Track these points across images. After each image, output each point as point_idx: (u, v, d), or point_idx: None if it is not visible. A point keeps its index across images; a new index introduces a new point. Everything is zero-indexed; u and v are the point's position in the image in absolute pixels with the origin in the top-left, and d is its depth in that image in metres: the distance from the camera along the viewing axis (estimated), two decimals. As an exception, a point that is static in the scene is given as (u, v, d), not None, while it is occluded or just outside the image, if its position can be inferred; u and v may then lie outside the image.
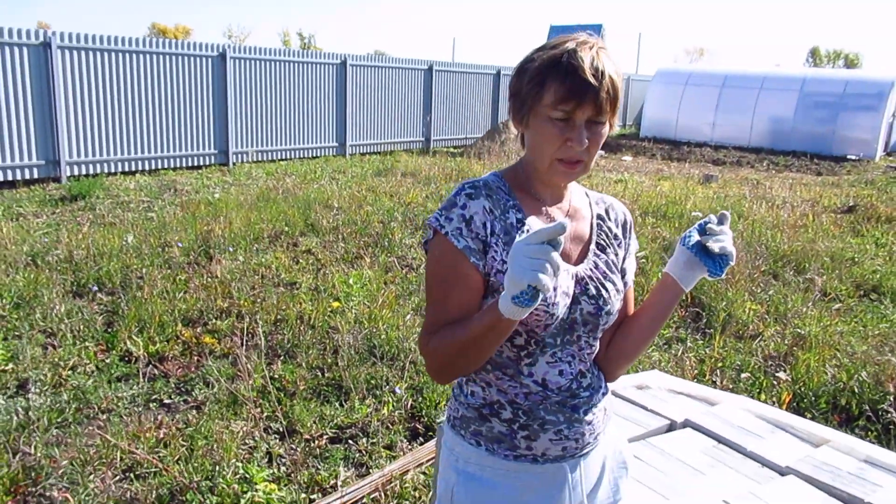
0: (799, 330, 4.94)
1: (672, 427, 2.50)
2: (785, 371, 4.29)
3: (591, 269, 1.43)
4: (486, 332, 1.25)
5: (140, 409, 3.76)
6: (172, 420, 3.63)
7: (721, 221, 1.40)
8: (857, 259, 6.92)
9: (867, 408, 3.83)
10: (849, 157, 17.93)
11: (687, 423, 2.50)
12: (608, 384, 1.57)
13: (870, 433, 3.69)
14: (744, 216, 8.61)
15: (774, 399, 3.97)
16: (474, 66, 18.27)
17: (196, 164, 12.24)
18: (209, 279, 5.66)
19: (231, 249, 6.51)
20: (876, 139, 18.22)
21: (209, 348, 4.50)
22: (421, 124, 16.82)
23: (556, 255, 1.12)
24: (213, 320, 4.89)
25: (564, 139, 1.31)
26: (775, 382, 4.17)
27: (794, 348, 4.68)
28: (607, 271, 1.45)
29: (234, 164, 12.69)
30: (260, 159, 13.30)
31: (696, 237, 1.41)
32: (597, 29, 16.87)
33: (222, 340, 4.63)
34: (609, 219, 1.53)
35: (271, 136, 13.57)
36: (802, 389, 4.11)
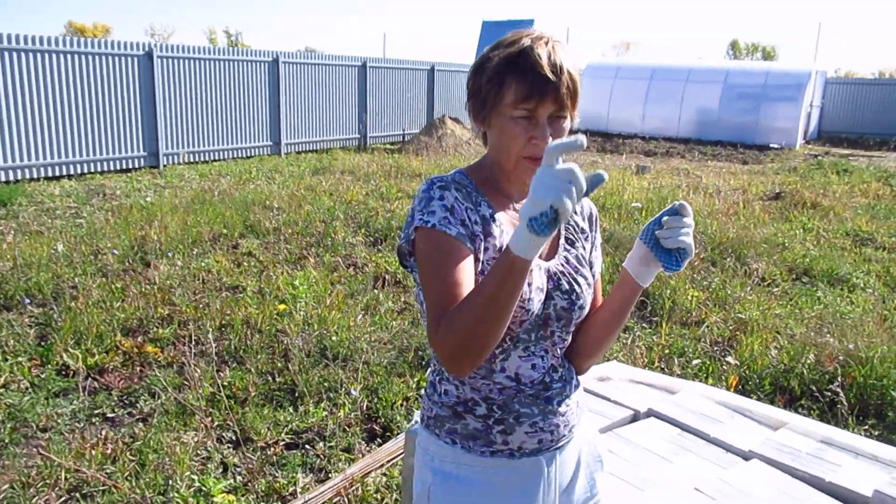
0: (740, 315, 5.09)
1: (636, 417, 2.53)
2: (733, 356, 4.40)
3: (562, 265, 1.43)
4: (501, 285, 1.14)
5: (82, 424, 3.59)
6: (118, 434, 3.47)
7: (679, 213, 1.36)
8: (787, 244, 7.19)
9: (813, 388, 3.97)
10: (771, 145, 18.64)
11: (650, 413, 2.53)
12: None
13: (812, 412, 3.82)
14: (679, 206, 8.83)
15: (722, 383, 4.08)
16: (408, 62, 18.21)
17: (125, 167, 11.81)
18: (147, 286, 5.45)
19: (169, 255, 6.30)
20: (796, 128, 19.01)
21: (152, 358, 4.33)
22: (357, 121, 16.66)
23: (581, 179, 1.04)
24: (155, 329, 4.72)
25: (528, 137, 1.30)
26: (725, 367, 4.27)
27: (737, 333, 4.82)
28: (578, 266, 1.45)
29: (165, 166, 12.30)
30: (192, 160, 12.93)
31: (654, 230, 1.38)
32: (528, 24, 17.04)
33: (165, 349, 4.46)
34: (576, 213, 1.53)
35: (203, 137, 13.21)
36: (747, 372, 4.23)
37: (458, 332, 1.19)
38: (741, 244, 6.77)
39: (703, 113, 20.15)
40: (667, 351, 4.57)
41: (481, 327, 1.18)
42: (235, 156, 13.88)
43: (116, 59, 11.49)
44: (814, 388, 3.98)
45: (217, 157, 13.52)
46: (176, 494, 2.91)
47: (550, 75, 1.27)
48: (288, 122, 14.87)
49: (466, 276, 1.27)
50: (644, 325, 5.09)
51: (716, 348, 4.69)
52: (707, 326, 4.97)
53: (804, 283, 6.14)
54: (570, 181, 1.03)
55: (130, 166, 11.88)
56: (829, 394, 3.88)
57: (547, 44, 1.30)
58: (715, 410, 2.57)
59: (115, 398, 3.88)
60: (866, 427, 3.71)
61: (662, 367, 4.37)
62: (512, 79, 1.29)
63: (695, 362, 4.35)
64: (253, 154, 14.21)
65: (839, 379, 3.91)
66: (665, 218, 1.37)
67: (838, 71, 34.42)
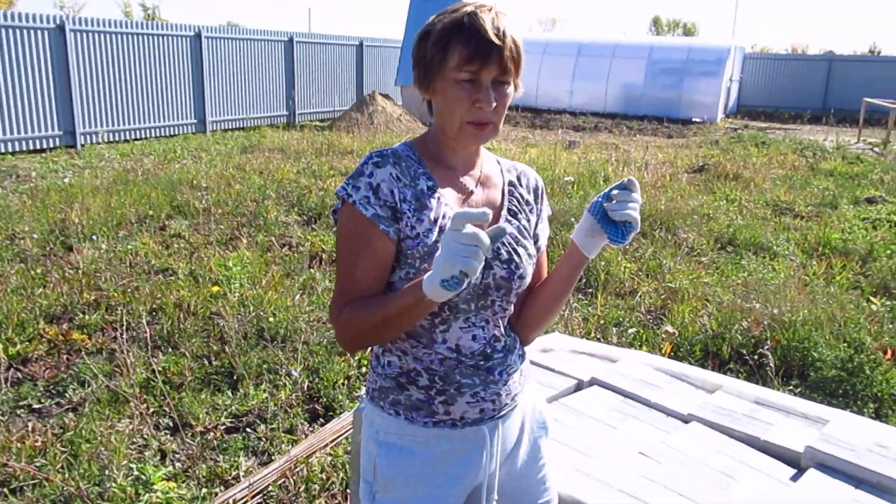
0: (671, 284, 5.25)
1: (580, 386, 2.58)
2: (668, 323, 4.54)
3: None
4: (406, 311, 1.27)
5: (6, 417, 3.42)
6: (47, 426, 3.33)
7: (627, 188, 1.39)
8: (712, 215, 7.43)
9: (742, 352, 4.13)
10: (694, 119, 19.20)
11: (593, 381, 2.59)
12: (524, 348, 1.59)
13: (741, 374, 3.99)
14: (609, 179, 9.01)
15: (657, 350, 4.20)
16: (336, 38, 17.89)
17: (39, 146, 11.23)
18: (71, 271, 5.22)
19: (93, 237, 6.04)
20: (717, 102, 19.62)
21: (80, 345, 4.16)
22: (285, 98, 16.30)
23: (486, 241, 1.14)
24: (81, 315, 4.53)
25: (472, 100, 1.33)
26: (660, 335, 4.40)
27: (669, 301, 4.97)
28: (519, 237, 1.47)
29: (83, 145, 11.76)
30: (113, 140, 12.41)
31: (602, 203, 1.41)
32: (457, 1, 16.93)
33: (94, 336, 4.29)
34: (521, 185, 1.55)
35: (124, 115, 12.68)
36: (680, 339, 4.37)
37: (355, 329, 1.35)
38: (670, 216, 6.96)
39: (628, 88, 20.56)
40: (602, 321, 4.67)
41: (375, 333, 1.35)
42: (158, 134, 13.39)
43: (25, 32, 10.85)
44: (742, 352, 4.15)
45: (139, 136, 13.01)
46: (113, 484, 2.82)
47: (495, 39, 1.30)
48: (213, 99, 14.42)
49: (374, 262, 1.36)
50: (580, 296, 5.19)
51: (649, 317, 4.82)
52: (640, 296, 5.10)
53: (729, 252, 6.37)
54: (476, 245, 1.13)
55: (45, 146, 11.31)
56: (757, 357, 4.06)
57: (490, 11, 1.33)
58: (654, 377, 2.65)
59: (42, 388, 3.71)
60: (791, 387, 3.89)
61: (599, 336, 4.47)
62: (456, 42, 1.31)
63: (631, 331, 4.47)
64: (177, 132, 13.74)
65: (768, 343, 4.08)
66: (614, 192, 1.40)
67: (755, 47, 35.66)
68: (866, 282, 5.47)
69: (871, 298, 5.01)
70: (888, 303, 4.94)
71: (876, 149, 13.99)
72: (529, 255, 1.48)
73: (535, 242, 1.54)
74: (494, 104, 1.33)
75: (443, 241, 1.16)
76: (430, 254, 1.33)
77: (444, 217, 1.37)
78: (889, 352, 4.11)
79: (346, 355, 4.05)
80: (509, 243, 1.44)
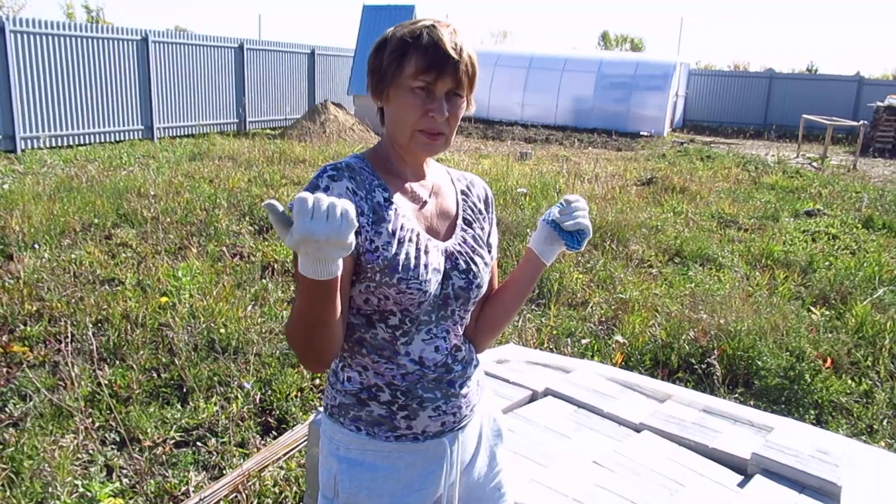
0: (622, 295, 5.35)
1: (534, 397, 2.61)
2: (619, 334, 4.62)
3: (459, 244, 1.47)
4: (302, 291, 1.21)
5: (-58, 433, 3.28)
6: (-15, 442, 3.20)
7: (574, 200, 1.50)
8: (660, 227, 7.60)
9: (691, 361, 4.23)
10: (642, 133, 19.61)
11: (548, 392, 2.62)
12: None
13: (689, 383, 4.08)
14: (561, 191, 9.14)
15: (609, 360, 4.27)
16: (288, 45, 17.75)
17: (-25, 151, 10.84)
18: (10, 281, 5.05)
19: (34, 246, 5.85)
20: (663, 116, 20.10)
21: (20, 357, 4.02)
22: (235, 105, 16.09)
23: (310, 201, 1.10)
24: (22, 326, 4.38)
25: (425, 110, 1.34)
26: (611, 345, 4.48)
27: (619, 312, 5.06)
28: (475, 245, 1.49)
29: (23, 150, 11.40)
30: (55, 145, 12.06)
31: (555, 214, 1.51)
32: (409, 10, 17.00)
33: (35, 348, 4.16)
34: (472, 195, 1.57)
35: (66, 120, 12.33)
36: (630, 349, 4.46)
37: (293, 339, 1.30)
38: (620, 228, 7.09)
39: (578, 101, 20.90)
40: (555, 332, 4.73)
41: (309, 337, 1.28)
42: (103, 140, 13.06)
43: (-37, 33, 10.49)
44: (691, 361, 4.25)
45: (83, 142, 12.67)
46: (57, 502, 2.73)
47: (452, 52, 1.32)
48: (160, 105, 14.14)
49: None
50: (534, 307, 5.24)
51: (601, 327, 4.90)
52: (592, 307, 5.18)
53: (677, 263, 6.52)
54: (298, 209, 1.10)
55: (-18, 151, 10.93)
56: (704, 365, 4.16)
57: (448, 27, 1.35)
58: (607, 387, 2.69)
59: (-20, 403, 3.58)
60: (736, 395, 4.00)
61: (552, 346, 4.52)
62: (413, 51, 1.33)
63: (584, 341, 4.53)
64: (123, 138, 13.42)
65: (715, 352, 4.19)
66: (560, 207, 1.50)
67: (699, 63, 36.64)
68: (807, 292, 5.67)
69: (812, 308, 5.19)
70: (827, 312, 5.13)
71: (814, 163, 14.51)
72: (486, 263, 1.50)
73: (489, 251, 1.56)
74: (447, 115, 1.35)
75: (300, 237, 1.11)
76: (389, 267, 1.33)
77: (401, 228, 1.37)
78: (828, 360, 4.27)
79: (299, 367, 4.00)
80: (466, 253, 1.46)
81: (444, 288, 1.41)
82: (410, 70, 1.32)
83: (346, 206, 1.11)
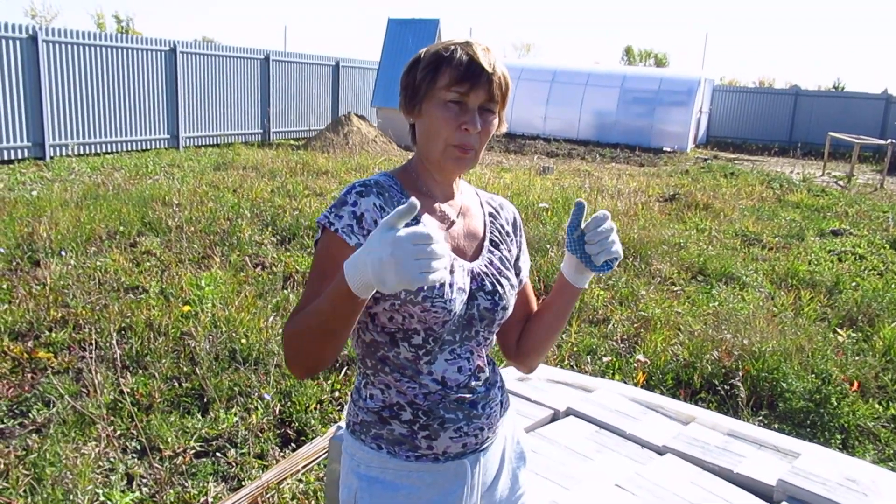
0: (643, 313, 5.30)
1: (556, 416, 2.58)
2: (641, 352, 4.57)
3: (486, 265, 1.46)
4: (329, 308, 1.19)
5: (-33, 438, 3.32)
6: (9, 447, 3.24)
7: (599, 223, 1.38)
8: (683, 244, 7.54)
9: (714, 382, 4.18)
10: (665, 148, 19.51)
11: (569, 412, 2.60)
12: (529, 374, 1.61)
13: (711, 404, 4.03)
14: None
15: (630, 379, 4.23)
16: (312, 57, 17.91)
17: (6, 158, 11.04)
18: (37, 287, 5.12)
19: (61, 253, 5.93)
20: (687, 132, 19.98)
21: (45, 364, 4.07)
22: (259, 116, 16.25)
23: (437, 247, 1.07)
24: (47, 332, 4.43)
25: (459, 123, 1.35)
26: (634, 365, 4.43)
27: (641, 330, 5.01)
28: (502, 267, 1.48)
29: (52, 157, 11.59)
30: (83, 152, 12.24)
31: (578, 240, 1.41)
32: (434, 24, 17.10)
33: (60, 354, 4.20)
34: (500, 217, 1.57)
35: (95, 128, 12.52)
36: (652, 368, 4.41)
37: (296, 341, 1.29)
38: (643, 245, 7.04)
39: (601, 116, 20.85)
40: (576, 349, 4.69)
41: (316, 343, 1.25)
42: (130, 148, 13.25)
43: (-3, 42, 10.71)
44: (714, 382, 4.20)
45: (110, 150, 12.86)
46: (77, 510, 2.75)
47: (485, 66, 1.34)
48: (186, 114, 14.32)
49: None
50: (553, 323, 5.21)
51: (622, 345, 4.86)
52: (613, 324, 5.14)
53: (699, 281, 6.45)
54: (429, 260, 1.07)
55: (13, 157, 11.12)
56: (727, 387, 4.10)
57: (480, 46, 1.37)
58: (629, 408, 2.66)
59: (4, 408, 3.62)
60: (760, 417, 3.94)
61: (573, 364, 4.49)
62: (447, 65, 1.34)
63: (605, 359, 4.50)
64: (149, 147, 13.61)
65: (739, 373, 4.13)
66: (587, 233, 1.39)
67: (723, 79, 36.40)
68: (833, 313, 5.58)
69: (838, 330, 5.11)
70: (853, 334, 5.04)
71: (840, 182, 14.34)
72: (512, 285, 1.49)
73: (518, 274, 1.56)
74: (479, 128, 1.35)
75: (382, 248, 1.08)
76: None
77: None
78: (855, 383, 4.19)
79: (318, 379, 4.01)
80: (493, 274, 1.45)
81: (469, 308, 1.41)
82: (444, 82, 1.33)
83: (443, 275, 1.09)
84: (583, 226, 1.40)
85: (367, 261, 1.09)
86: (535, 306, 1.61)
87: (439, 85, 1.34)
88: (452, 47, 1.35)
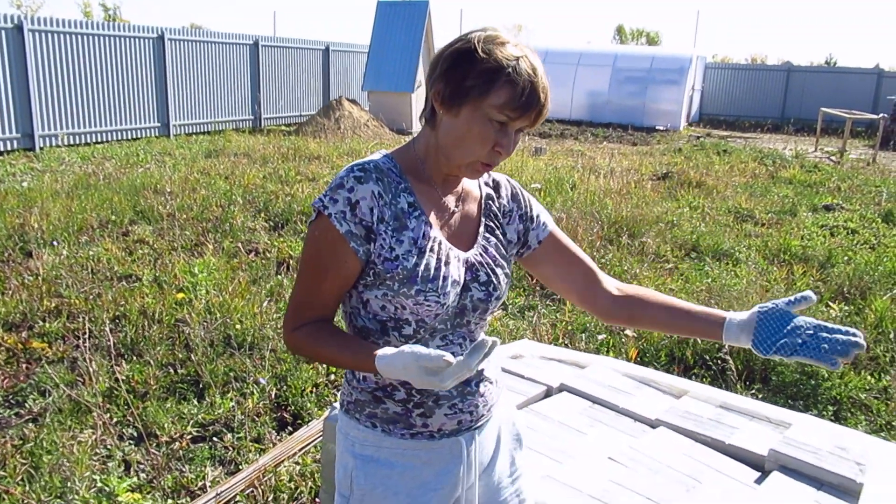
0: (637, 290, 5.30)
1: (549, 392, 2.60)
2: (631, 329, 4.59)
3: (480, 255, 1.44)
4: (351, 366, 1.33)
5: (-37, 428, 3.33)
6: (6, 437, 3.24)
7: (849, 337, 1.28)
8: (676, 222, 7.55)
9: (706, 358, 4.21)
10: (657, 127, 19.49)
11: (563, 388, 2.61)
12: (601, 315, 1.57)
13: (705, 379, 4.05)
14: (576, 187, 9.10)
15: (623, 355, 4.25)
16: (302, 42, 17.79)
17: (-6, 149, 10.97)
18: (30, 278, 5.11)
19: (53, 243, 5.91)
20: (679, 111, 19.96)
21: (40, 353, 4.07)
22: (250, 102, 16.16)
23: (447, 373, 1.18)
24: (41, 322, 4.43)
25: (495, 143, 1.31)
26: (625, 341, 4.45)
27: (635, 307, 5.02)
28: (497, 255, 1.46)
29: (41, 148, 11.52)
30: (73, 143, 12.17)
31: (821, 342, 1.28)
32: (424, 6, 16.97)
33: (54, 344, 4.20)
34: (500, 196, 1.53)
35: (84, 117, 12.44)
36: (645, 345, 4.43)
37: (303, 352, 1.40)
38: (635, 222, 7.05)
39: (593, 95, 20.80)
40: (570, 327, 4.71)
41: (320, 361, 1.45)
42: (120, 137, 13.17)
43: (-18, 32, 10.60)
44: (706, 357, 4.22)
45: (100, 139, 12.78)
46: (76, 497, 2.76)
47: (541, 96, 1.29)
48: (176, 102, 14.24)
49: (338, 280, 1.36)
50: (549, 302, 5.23)
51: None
52: (607, 302, 5.14)
53: (692, 258, 6.47)
54: (438, 380, 1.19)
55: (1, 149, 11.05)
56: (720, 362, 4.13)
57: (539, 59, 1.32)
58: (622, 382, 2.68)
59: (0, 398, 3.62)
60: (753, 391, 3.97)
61: (567, 342, 4.51)
62: (507, 85, 1.27)
63: (600, 337, 4.52)
64: (140, 136, 13.53)
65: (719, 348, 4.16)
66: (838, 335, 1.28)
67: (715, 56, 36.31)
68: (825, 287, 5.61)
69: (830, 304, 5.13)
70: (846, 307, 5.07)
71: (833, 157, 14.36)
72: (506, 275, 1.47)
73: (529, 248, 1.53)
74: (511, 152, 1.34)
75: (406, 360, 1.20)
76: (408, 278, 1.32)
77: (423, 237, 1.35)
78: (847, 356, 4.21)
79: (314, 363, 4.02)
80: (487, 264, 1.43)
81: (462, 299, 1.39)
82: (497, 101, 1.27)
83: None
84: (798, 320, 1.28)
85: (397, 370, 1.22)
86: (580, 252, 1.55)
87: (490, 101, 1.27)
88: (514, 62, 1.27)
